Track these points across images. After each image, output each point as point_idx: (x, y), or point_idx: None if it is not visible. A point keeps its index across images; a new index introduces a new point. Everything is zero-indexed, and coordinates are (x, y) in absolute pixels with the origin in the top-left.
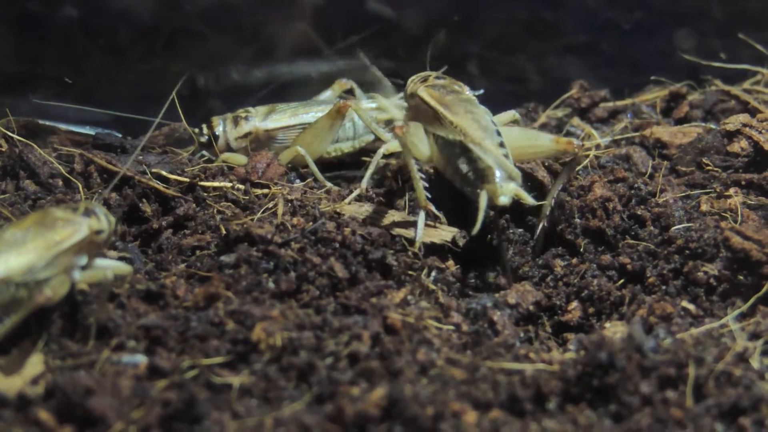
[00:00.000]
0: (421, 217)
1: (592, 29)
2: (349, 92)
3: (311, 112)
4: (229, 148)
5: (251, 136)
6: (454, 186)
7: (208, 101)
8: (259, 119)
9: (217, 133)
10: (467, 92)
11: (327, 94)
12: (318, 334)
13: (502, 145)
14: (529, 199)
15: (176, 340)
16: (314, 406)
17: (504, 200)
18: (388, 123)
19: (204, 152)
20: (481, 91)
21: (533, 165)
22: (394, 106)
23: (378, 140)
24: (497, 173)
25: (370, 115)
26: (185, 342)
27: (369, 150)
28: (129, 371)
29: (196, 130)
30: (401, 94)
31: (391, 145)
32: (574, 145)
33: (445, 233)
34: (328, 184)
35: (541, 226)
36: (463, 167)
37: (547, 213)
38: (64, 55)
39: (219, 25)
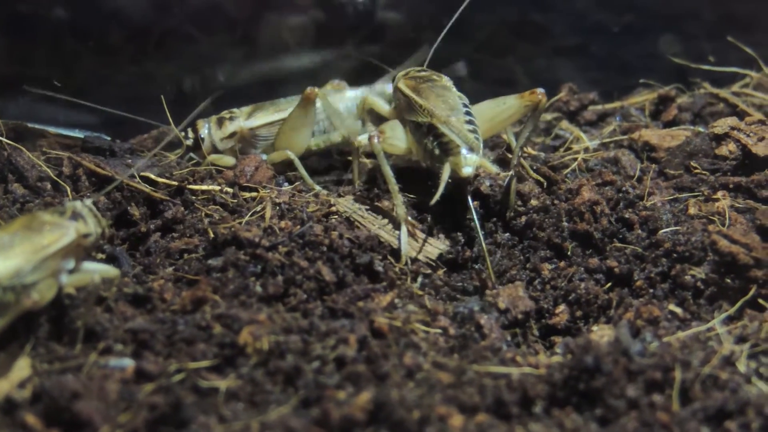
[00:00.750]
0: (404, 231)
1: (582, 32)
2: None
3: (291, 107)
4: (215, 150)
5: (236, 136)
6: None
7: (196, 104)
8: (244, 118)
9: (202, 136)
10: (446, 81)
11: None
12: (305, 338)
13: (470, 122)
14: (492, 168)
15: (163, 343)
16: (300, 410)
17: (467, 171)
18: (372, 113)
19: (192, 155)
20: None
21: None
22: (383, 100)
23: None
24: (462, 147)
25: (354, 103)
26: (172, 346)
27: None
28: (116, 375)
29: (183, 134)
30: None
31: (362, 138)
32: (538, 94)
33: (431, 249)
34: (317, 188)
35: (508, 178)
36: (430, 145)
37: (516, 163)
38: (53, 56)
39: (209, 26)
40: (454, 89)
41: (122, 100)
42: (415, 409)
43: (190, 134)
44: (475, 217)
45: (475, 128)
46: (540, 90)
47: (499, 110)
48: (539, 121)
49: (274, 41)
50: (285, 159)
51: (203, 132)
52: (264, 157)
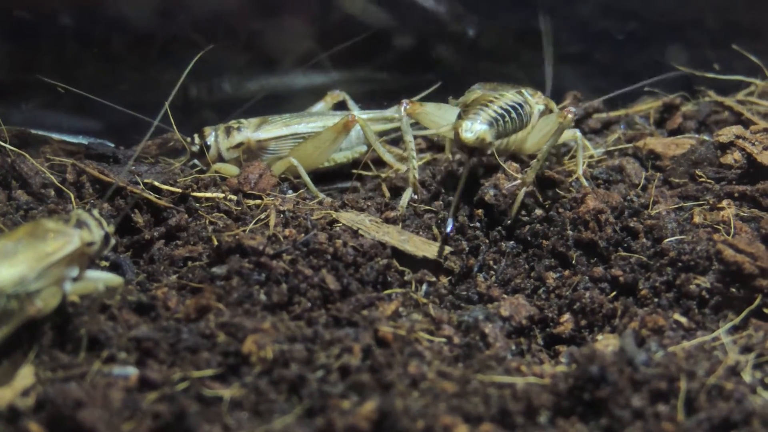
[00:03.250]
0: (408, 192)
1: (586, 39)
2: (342, 104)
3: (303, 123)
4: (220, 158)
5: (243, 146)
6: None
7: (201, 111)
8: (252, 130)
9: (208, 143)
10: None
11: (319, 106)
12: (309, 347)
13: (489, 108)
14: (489, 137)
15: (167, 352)
16: (305, 419)
17: (468, 136)
18: (383, 134)
19: (196, 162)
20: None
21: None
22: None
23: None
24: (473, 117)
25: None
26: (176, 354)
27: (361, 161)
28: (120, 383)
29: (188, 140)
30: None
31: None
32: (568, 113)
33: (433, 248)
34: (321, 195)
35: (523, 190)
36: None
37: (532, 178)
38: (57, 63)
39: (213, 34)
40: (511, 96)
41: (126, 107)
42: (420, 418)
43: (197, 140)
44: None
45: (491, 112)
46: (573, 110)
47: (545, 125)
48: (559, 137)
49: (283, 56)
50: (289, 167)
51: (210, 139)
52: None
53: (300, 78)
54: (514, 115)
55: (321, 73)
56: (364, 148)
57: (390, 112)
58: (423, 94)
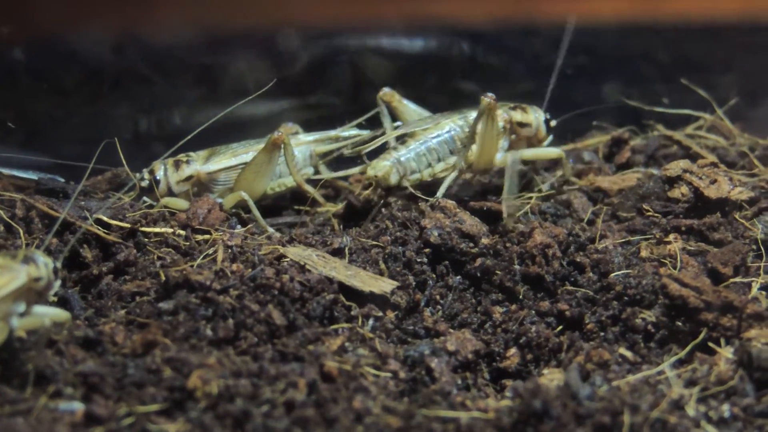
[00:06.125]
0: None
1: (535, 74)
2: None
3: (251, 152)
4: (170, 193)
5: (193, 179)
6: None
7: (150, 145)
8: (200, 163)
9: (158, 178)
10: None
11: None
12: (255, 382)
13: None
14: (390, 181)
15: (113, 387)
16: None
17: (370, 172)
18: (325, 156)
19: (146, 198)
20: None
21: None
22: None
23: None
24: (384, 155)
25: (309, 148)
26: (122, 389)
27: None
28: (66, 418)
29: (138, 175)
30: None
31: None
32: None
33: (385, 284)
34: (270, 230)
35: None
36: None
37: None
38: (7, 98)
39: (164, 68)
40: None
41: (77, 141)
42: None
43: (146, 176)
44: None
45: (396, 150)
46: (490, 93)
47: (485, 132)
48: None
49: (231, 87)
50: (240, 201)
51: (159, 174)
52: (219, 200)
53: (251, 108)
54: (434, 145)
55: (271, 101)
56: (310, 171)
57: (335, 132)
58: (366, 116)
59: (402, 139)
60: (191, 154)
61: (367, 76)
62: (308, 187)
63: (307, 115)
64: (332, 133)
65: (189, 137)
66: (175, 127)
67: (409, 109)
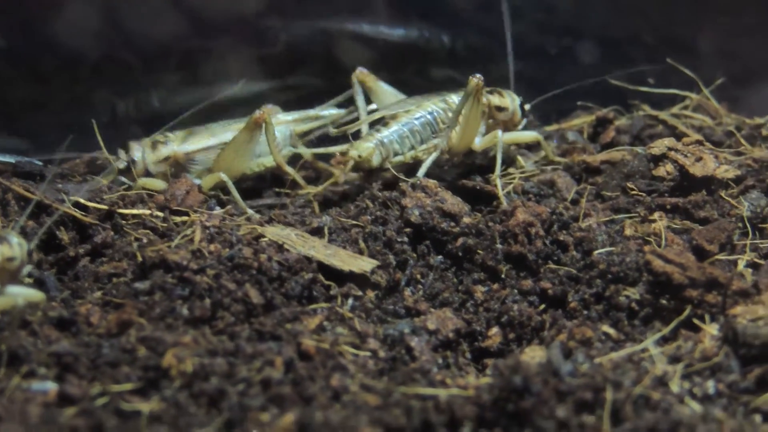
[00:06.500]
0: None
1: (519, 55)
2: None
3: (229, 132)
4: (147, 173)
5: (170, 160)
6: None
7: (129, 129)
8: (178, 143)
9: (135, 158)
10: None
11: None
12: (230, 361)
13: (380, 127)
14: (372, 162)
15: (87, 367)
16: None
17: (353, 153)
18: (305, 135)
19: (122, 178)
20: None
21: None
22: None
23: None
24: (366, 137)
25: (289, 128)
26: (96, 369)
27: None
28: (38, 398)
29: (114, 156)
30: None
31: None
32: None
33: (364, 263)
34: (249, 211)
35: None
36: None
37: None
38: None
39: (144, 52)
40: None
41: (56, 125)
42: (340, 430)
43: (123, 156)
44: None
45: (378, 132)
46: (478, 75)
47: (467, 113)
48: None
49: (210, 70)
50: (218, 182)
51: (136, 155)
52: (198, 181)
53: (231, 90)
54: (418, 127)
55: (252, 83)
56: (290, 150)
57: (315, 111)
58: (345, 95)
59: (384, 121)
60: (168, 134)
61: (344, 60)
62: (288, 168)
63: (286, 95)
64: (312, 112)
65: (174, 122)
66: (153, 110)
67: (384, 89)
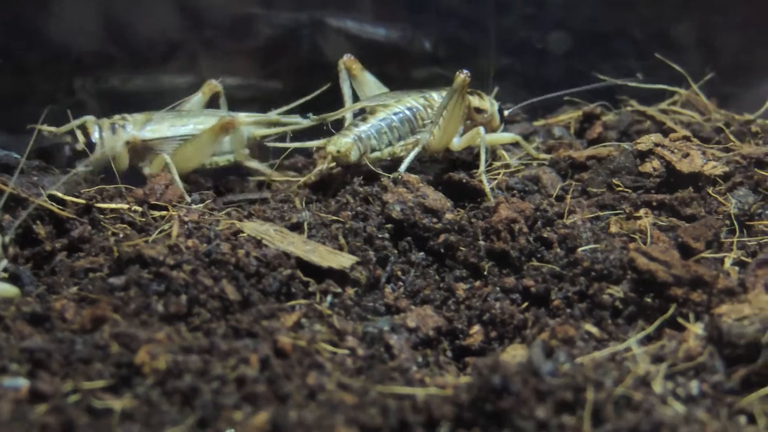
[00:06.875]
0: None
1: (506, 50)
2: (217, 96)
3: (190, 125)
4: (105, 156)
5: (129, 145)
6: None
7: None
8: (137, 128)
9: (93, 140)
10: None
11: (197, 98)
12: (205, 358)
13: (360, 121)
14: (350, 158)
15: (60, 363)
16: (196, 430)
17: (331, 148)
18: (263, 138)
19: (80, 161)
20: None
21: None
22: None
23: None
24: (344, 132)
25: (248, 130)
26: (69, 365)
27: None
28: (9, 395)
29: (68, 138)
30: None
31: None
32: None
33: (344, 260)
34: (188, 198)
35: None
36: None
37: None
38: None
39: (126, 45)
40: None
41: (35, 119)
42: (315, 429)
43: (80, 138)
44: None
45: (356, 126)
46: (465, 70)
47: (449, 114)
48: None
49: (187, 62)
50: (163, 164)
51: (95, 136)
52: (147, 170)
53: (185, 78)
54: (396, 123)
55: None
56: (246, 152)
57: (273, 115)
58: (310, 97)
59: (362, 116)
60: (126, 116)
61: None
62: (252, 163)
63: (257, 93)
64: (273, 116)
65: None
66: (109, 88)
67: (369, 80)
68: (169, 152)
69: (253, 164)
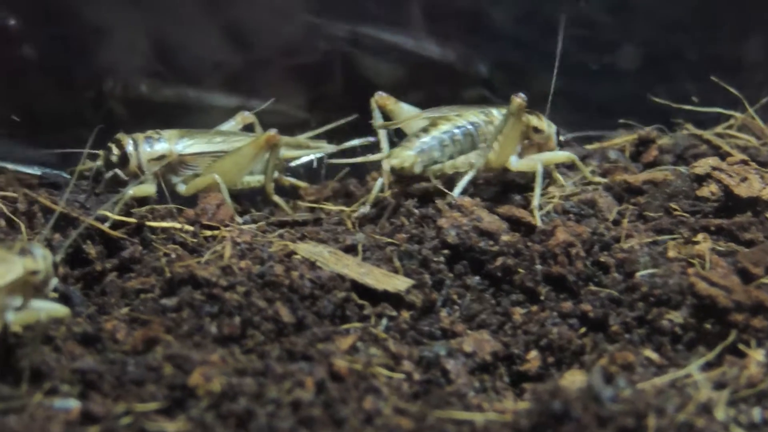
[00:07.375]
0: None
1: (561, 72)
2: (250, 127)
3: (228, 143)
4: (140, 170)
5: (165, 159)
6: None
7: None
8: (172, 143)
9: (128, 152)
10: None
11: (230, 125)
12: (260, 381)
13: (423, 135)
14: (414, 170)
15: (112, 384)
16: None
17: (390, 160)
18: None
19: (117, 171)
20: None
21: None
22: None
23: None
24: (405, 144)
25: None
26: (121, 387)
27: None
28: (60, 416)
29: (101, 152)
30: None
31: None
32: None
33: (399, 283)
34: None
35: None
36: None
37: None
38: (14, 92)
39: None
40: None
41: (85, 138)
42: None
43: (114, 150)
44: None
45: (419, 137)
46: (522, 94)
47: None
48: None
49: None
50: (211, 184)
51: (129, 148)
52: (183, 187)
53: (218, 97)
54: (459, 136)
55: (240, 96)
56: (275, 174)
57: (305, 138)
58: (334, 125)
59: (422, 127)
60: (160, 131)
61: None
62: (276, 198)
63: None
64: (302, 139)
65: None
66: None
67: (406, 111)
68: (200, 169)
69: (278, 198)
